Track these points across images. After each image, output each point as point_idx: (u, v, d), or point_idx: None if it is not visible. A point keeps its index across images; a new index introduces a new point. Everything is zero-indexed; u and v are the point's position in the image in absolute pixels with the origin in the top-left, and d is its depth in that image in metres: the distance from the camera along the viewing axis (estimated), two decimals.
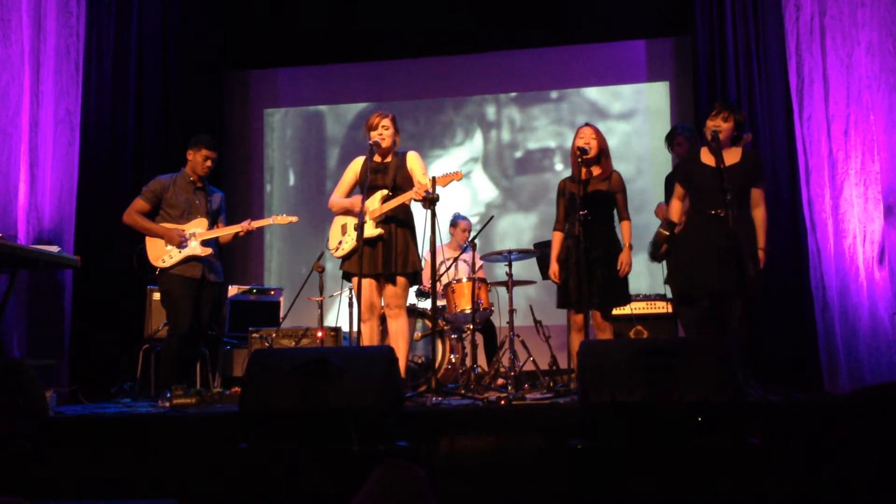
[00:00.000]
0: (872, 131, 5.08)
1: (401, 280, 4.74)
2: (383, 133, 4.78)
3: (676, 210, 4.78)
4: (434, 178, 4.60)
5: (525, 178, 8.16)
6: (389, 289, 4.75)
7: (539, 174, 8.09)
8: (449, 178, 4.68)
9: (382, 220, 4.72)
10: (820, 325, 5.18)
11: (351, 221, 4.82)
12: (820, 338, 5.18)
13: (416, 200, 4.67)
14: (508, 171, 8.21)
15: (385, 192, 4.76)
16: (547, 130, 8.13)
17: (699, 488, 3.16)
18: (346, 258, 4.82)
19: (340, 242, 4.83)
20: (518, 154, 8.21)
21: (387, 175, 4.80)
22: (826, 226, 5.16)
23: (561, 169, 7.94)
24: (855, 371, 4.91)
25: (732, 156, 4.56)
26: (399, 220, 4.77)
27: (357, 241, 4.53)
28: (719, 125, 4.53)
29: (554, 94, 8.15)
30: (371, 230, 4.66)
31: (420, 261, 4.85)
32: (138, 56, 6.85)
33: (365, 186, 4.67)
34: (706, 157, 4.61)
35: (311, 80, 8.52)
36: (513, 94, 8.22)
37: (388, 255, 4.70)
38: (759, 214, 4.60)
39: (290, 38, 8.28)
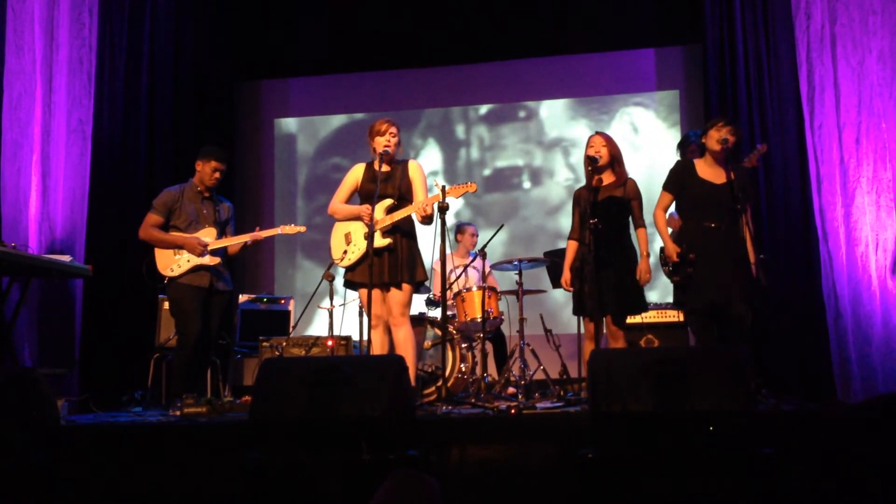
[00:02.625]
0: (884, 139, 5.07)
1: (404, 289, 4.70)
2: (391, 140, 4.75)
3: (663, 221, 4.76)
4: (444, 192, 4.58)
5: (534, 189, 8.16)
6: (393, 297, 4.70)
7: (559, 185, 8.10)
8: (463, 189, 4.66)
9: (388, 231, 4.70)
10: (832, 333, 5.16)
11: (354, 230, 4.79)
12: (832, 346, 5.15)
13: (419, 220, 4.69)
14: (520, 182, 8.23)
15: (390, 201, 4.74)
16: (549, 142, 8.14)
17: (711, 498, 3.15)
18: (350, 268, 4.81)
19: (345, 252, 4.81)
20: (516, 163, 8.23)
21: (391, 184, 4.77)
22: (838, 234, 5.14)
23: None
24: (868, 379, 4.89)
25: (728, 172, 4.58)
26: (404, 231, 4.76)
27: (367, 248, 4.52)
28: (727, 137, 4.54)
29: (540, 106, 8.16)
30: (379, 240, 4.63)
31: (426, 270, 4.84)
32: (150, 66, 6.88)
33: (375, 194, 4.64)
34: (703, 172, 4.63)
35: (322, 90, 8.54)
36: (517, 103, 8.23)
37: (394, 265, 4.68)
38: (746, 230, 4.59)
39: (301, 48, 8.31)
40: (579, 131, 7.97)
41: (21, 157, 5.54)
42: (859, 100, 5.14)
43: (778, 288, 5.76)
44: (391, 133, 4.76)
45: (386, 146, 4.72)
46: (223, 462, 3.77)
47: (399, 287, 4.69)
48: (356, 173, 4.92)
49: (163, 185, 5.60)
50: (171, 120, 7.10)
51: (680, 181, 4.69)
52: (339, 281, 5.37)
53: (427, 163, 8.16)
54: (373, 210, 4.58)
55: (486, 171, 8.25)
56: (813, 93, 5.32)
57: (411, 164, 4.88)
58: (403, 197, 4.78)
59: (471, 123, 8.32)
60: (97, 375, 5.89)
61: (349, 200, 4.95)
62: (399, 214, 4.68)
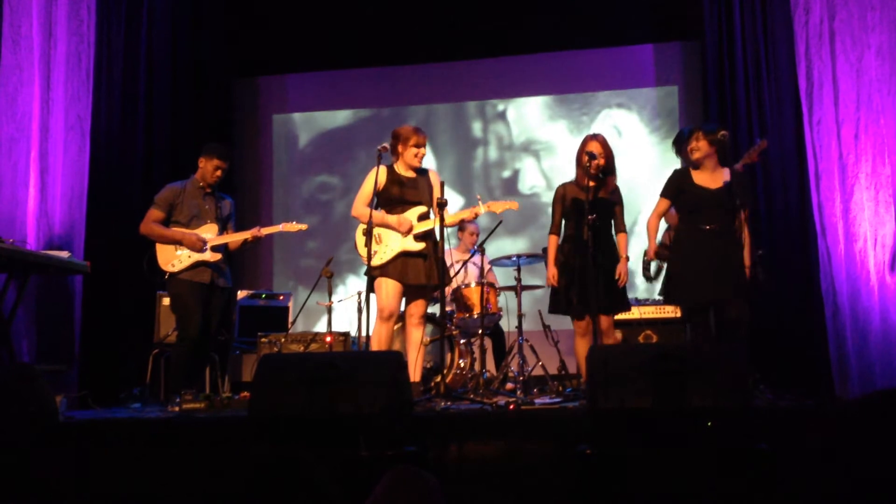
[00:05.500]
0: (883, 135, 5.06)
1: (427, 294, 4.92)
2: (422, 151, 4.90)
3: (655, 227, 4.80)
4: (442, 186, 4.61)
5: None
6: (419, 303, 4.90)
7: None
8: (505, 206, 4.89)
9: (421, 236, 4.84)
10: (830, 329, 5.16)
11: (384, 231, 4.85)
12: (830, 342, 5.16)
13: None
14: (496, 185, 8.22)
15: (424, 208, 4.89)
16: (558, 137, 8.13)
17: (708, 494, 3.15)
18: (381, 265, 4.84)
19: (375, 252, 4.83)
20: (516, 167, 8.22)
21: (420, 192, 4.91)
22: (836, 230, 5.14)
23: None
24: (866, 376, 4.89)
25: (721, 177, 4.62)
26: (434, 238, 4.89)
27: (366, 243, 4.62)
28: (693, 148, 4.64)
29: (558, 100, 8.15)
30: (413, 244, 4.81)
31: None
32: (148, 62, 6.87)
33: (391, 199, 4.81)
34: (698, 178, 4.67)
35: (320, 86, 8.53)
36: (518, 100, 8.22)
37: (429, 269, 4.83)
38: (746, 233, 4.62)
39: (298, 44, 8.29)
40: (573, 129, 7.98)
41: (18, 153, 5.53)
42: (858, 96, 5.14)
43: (776, 283, 5.76)
44: (424, 147, 4.93)
45: (418, 155, 4.89)
46: (222, 458, 3.77)
47: (426, 293, 4.91)
48: (379, 177, 4.93)
49: (161, 181, 5.60)
50: (169, 116, 7.09)
51: (676, 187, 4.74)
52: (337, 277, 5.37)
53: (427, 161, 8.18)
54: (370, 211, 4.68)
55: (506, 173, 8.22)
56: (811, 88, 5.32)
57: (432, 173, 5.06)
58: (431, 205, 4.92)
59: (473, 120, 8.31)
60: (96, 371, 5.89)
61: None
62: (428, 224, 4.86)
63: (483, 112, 8.30)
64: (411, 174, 4.95)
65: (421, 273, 4.82)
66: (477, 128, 8.29)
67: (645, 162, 7.71)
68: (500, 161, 8.24)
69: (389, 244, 4.84)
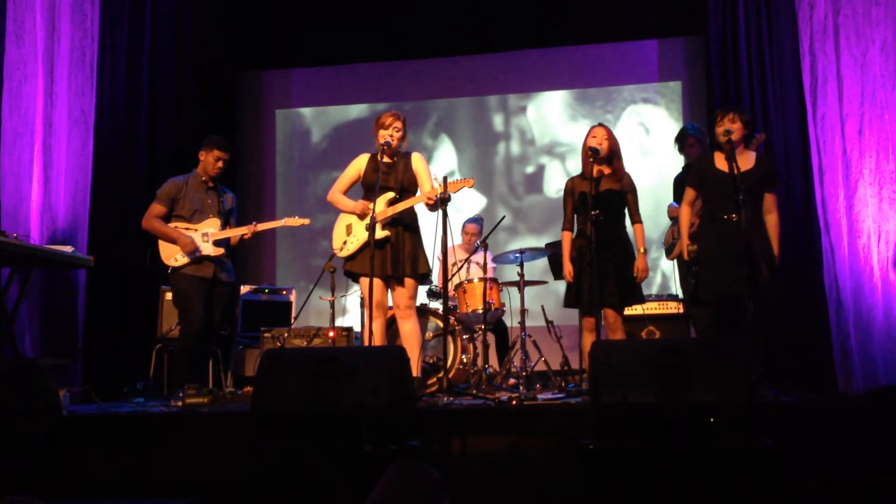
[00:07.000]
0: (887, 130, 5.06)
1: (409, 282, 4.76)
2: (394, 134, 4.76)
3: (687, 216, 4.74)
4: (446, 182, 4.59)
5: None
6: (399, 292, 4.76)
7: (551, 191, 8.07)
8: (460, 185, 4.68)
9: (389, 223, 4.71)
10: (834, 325, 5.16)
11: (356, 222, 4.82)
12: (834, 338, 5.16)
13: (426, 206, 4.71)
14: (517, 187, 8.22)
15: (392, 194, 4.76)
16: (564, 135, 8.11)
17: (712, 489, 3.15)
18: (350, 258, 4.82)
19: (345, 242, 4.83)
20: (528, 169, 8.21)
21: (393, 176, 4.78)
22: (840, 225, 5.14)
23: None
24: (869, 371, 4.89)
25: (747, 160, 4.52)
26: (406, 224, 4.78)
27: (369, 239, 4.54)
28: (729, 126, 4.49)
29: (565, 95, 8.13)
30: (378, 232, 4.64)
31: (428, 263, 4.86)
32: (151, 57, 6.86)
33: (377, 186, 4.65)
34: (720, 163, 4.55)
35: (324, 81, 8.51)
36: (537, 97, 8.21)
37: (396, 258, 4.70)
38: (771, 220, 4.57)
39: (303, 38, 8.28)
40: (580, 124, 7.96)
41: (21, 147, 5.54)
42: (862, 91, 5.13)
43: (779, 279, 5.75)
44: (395, 127, 4.77)
45: (388, 138, 4.73)
46: (225, 453, 3.77)
47: (402, 281, 4.73)
48: (359, 164, 4.95)
49: (164, 175, 5.60)
50: (173, 110, 7.09)
51: (700, 174, 4.65)
52: (340, 272, 5.36)
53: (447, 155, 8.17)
54: (373, 199, 4.60)
55: (529, 169, 8.16)
56: (816, 84, 5.31)
57: (414, 156, 4.90)
58: (406, 189, 4.80)
59: (478, 115, 8.29)
60: (99, 366, 5.90)
61: (351, 189, 4.97)
62: (399, 207, 4.70)
63: (504, 107, 8.24)
64: (390, 159, 4.79)
65: (387, 263, 4.68)
66: (498, 122, 8.24)
67: (673, 159, 7.63)
68: (522, 156, 8.18)
69: (357, 234, 4.76)
